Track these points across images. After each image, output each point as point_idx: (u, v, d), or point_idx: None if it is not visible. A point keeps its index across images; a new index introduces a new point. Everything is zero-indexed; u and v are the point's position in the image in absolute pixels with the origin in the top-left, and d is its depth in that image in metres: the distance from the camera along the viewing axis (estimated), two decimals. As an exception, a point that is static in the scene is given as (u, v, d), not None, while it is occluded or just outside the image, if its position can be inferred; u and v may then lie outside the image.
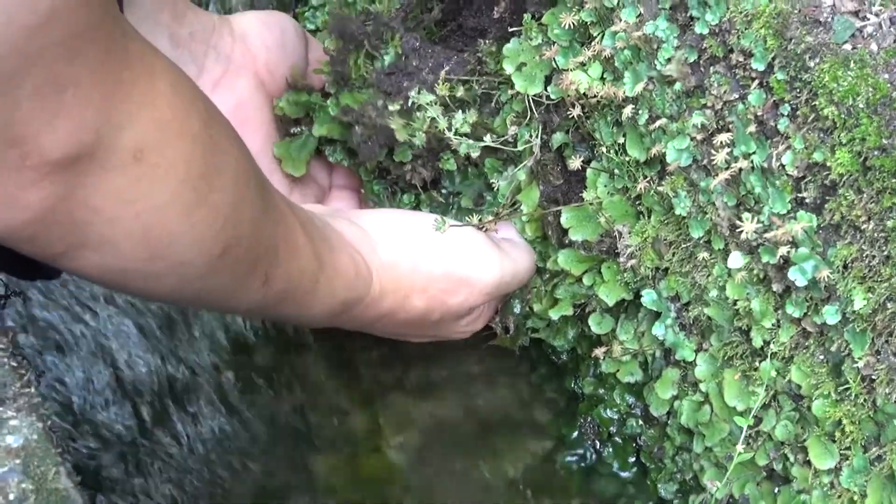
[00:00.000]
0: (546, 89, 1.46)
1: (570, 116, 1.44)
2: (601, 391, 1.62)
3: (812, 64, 1.21)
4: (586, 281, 1.51)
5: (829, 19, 1.23)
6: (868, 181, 1.19)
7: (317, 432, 1.71)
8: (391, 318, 1.52)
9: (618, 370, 1.54)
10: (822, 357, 1.30)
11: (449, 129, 1.49)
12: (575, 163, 1.46)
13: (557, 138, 1.50)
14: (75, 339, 1.70)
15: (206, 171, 1.11)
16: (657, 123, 1.36)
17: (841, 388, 1.28)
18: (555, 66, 1.45)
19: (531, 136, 1.51)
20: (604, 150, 1.44)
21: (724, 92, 1.30)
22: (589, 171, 1.47)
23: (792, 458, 1.35)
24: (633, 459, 1.62)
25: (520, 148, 1.53)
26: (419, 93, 1.51)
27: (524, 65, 1.47)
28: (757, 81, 1.27)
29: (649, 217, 1.43)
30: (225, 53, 1.64)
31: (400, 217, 1.53)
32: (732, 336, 1.39)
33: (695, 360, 1.43)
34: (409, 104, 1.52)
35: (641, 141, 1.39)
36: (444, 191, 1.62)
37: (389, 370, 1.75)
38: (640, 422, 1.58)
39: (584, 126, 1.46)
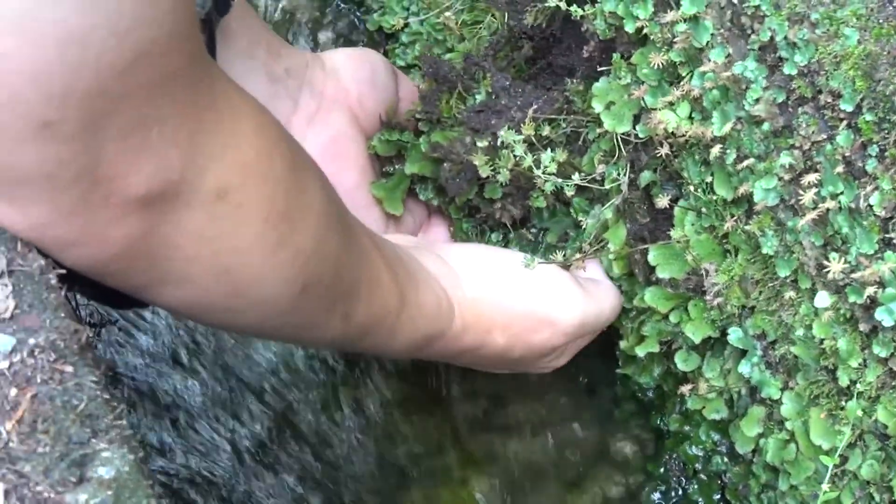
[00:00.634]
0: (634, 128, 1.47)
1: (658, 155, 1.44)
2: (687, 428, 1.61)
3: (900, 105, 1.21)
4: (673, 318, 1.51)
5: (918, 61, 1.23)
6: (956, 222, 1.19)
7: (407, 466, 1.72)
8: (473, 352, 1.51)
9: (704, 407, 1.53)
10: (908, 397, 1.29)
11: (537, 166, 1.50)
12: (662, 201, 1.46)
13: (645, 177, 1.50)
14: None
15: (289, 212, 1.12)
16: (745, 163, 1.36)
17: (928, 428, 1.27)
18: (643, 105, 1.45)
19: (619, 174, 1.52)
20: (691, 188, 1.44)
21: (812, 132, 1.29)
22: (676, 210, 1.46)
23: (878, 498, 1.34)
24: (717, 497, 1.61)
25: (607, 186, 1.53)
26: (507, 130, 1.52)
27: (613, 104, 1.47)
28: (845, 122, 1.26)
29: (736, 256, 1.43)
30: (319, 89, 1.65)
31: (485, 253, 1.53)
32: (819, 375, 1.38)
33: (781, 399, 1.42)
34: (498, 142, 1.53)
35: (729, 180, 1.39)
36: (532, 230, 1.62)
37: (476, 406, 1.75)
38: (726, 459, 1.58)
39: (672, 165, 1.46)
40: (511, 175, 1.54)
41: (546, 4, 1.51)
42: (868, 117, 1.24)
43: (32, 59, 0.86)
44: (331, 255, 1.21)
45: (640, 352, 1.56)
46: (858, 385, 1.33)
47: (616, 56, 1.48)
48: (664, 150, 1.43)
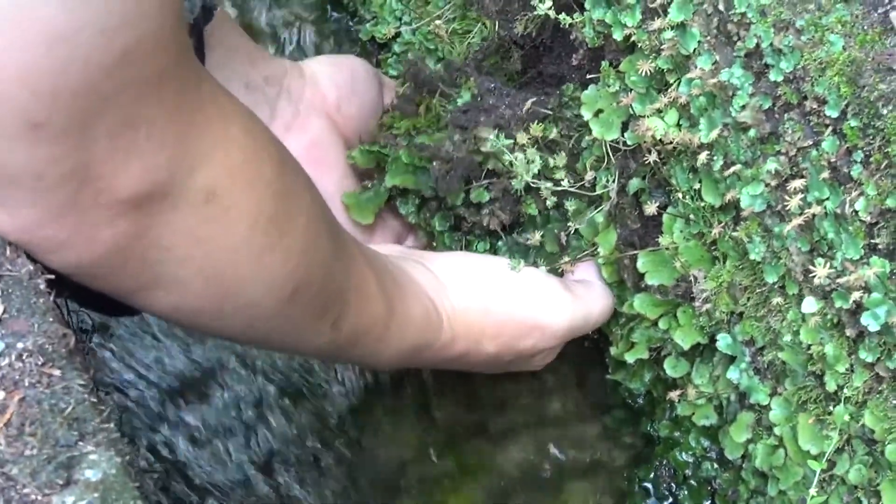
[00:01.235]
0: (623, 135, 1.47)
1: (647, 162, 1.45)
2: (676, 434, 1.61)
3: (885, 111, 1.21)
4: (662, 325, 1.51)
5: (903, 67, 1.23)
6: (940, 227, 1.19)
7: (401, 474, 1.72)
8: (463, 360, 1.52)
9: (693, 413, 1.53)
10: (895, 402, 1.29)
11: (527, 174, 1.50)
12: (651, 208, 1.47)
13: (634, 183, 1.50)
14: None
15: (278, 215, 1.12)
16: (732, 169, 1.36)
17: (914, 432, 1.27)
18: (632, 112, 1.45)
19: (608, 180, 1.52)
20: (679, 195, 1.44)
21: (798, 138, 1.30)
22: (665, 217, 1.47)
23: (865, 503, 1.34)
24: (707, 502, 1.61)
25: (598, 192, 1.53)
26: (497, 137, 1.52)
27: (601, 111, 1.47)
28: (830, 128, 1.27)
29: (724, 262, 1.43)
30: (297, 95, 1.65)
31: (471, 261, 1.53)
32: (806, 380, 1.38)
33: (769, 404, 1.42)
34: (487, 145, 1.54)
35: (716, 187, 1.40)
36: (524, 235, 1.62)
37: (470, 415, 1.75)
38: (715, 465, 1.58)
39: (661, 172, 1.46)
40: (498, 179, 1.55)
41: (536, 13, 1.51)
42: (853, 123, 1.24)
43: (20, 57, 0.86)
44: (319, 261, 1.21)
45: (630, 358, 1.57)
46: (846, 390, 1.33)
47: (605, 64, 1.48)
48: (652, 157, 1.44)
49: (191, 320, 1.20)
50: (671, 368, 1.53)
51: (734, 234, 1.40)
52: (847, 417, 1.33)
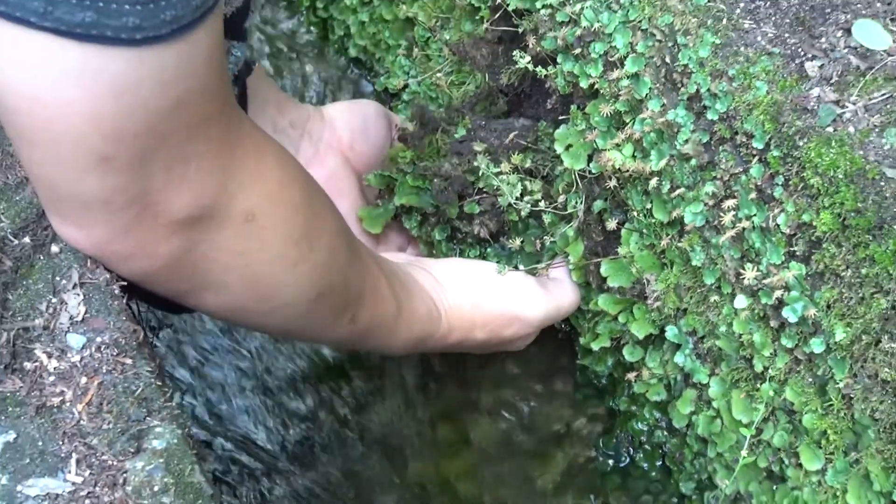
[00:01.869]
0: (589, 165, 1.46)
1: (608, 187, 1.44)
2: (633, 408, 1.61)
3: (801, 143, 1.21)
4: (621, 319, 1.50)
5: (816, 107, 1.22)
6: (846, 237, 1.18)
7: (407, 443, 1.72)
8: (458, 346, 1.52)
9: (647, 391, 1.53)
10: (810, 379, 1.29)
11: (508, 194, 1.50)
12: (612, 224, 1.46)
13: (598, 204, 1.50)
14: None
15: (307, 232, 1.13)
16: (677, 192, 1.36)
17: (826, 404, 1.27)
18: (595, 146, 1.45)
19: (577, 202, 1.52)
20: (635, 213, 1.44)
21: (731, 166, 1.29)
22: (623, 231, 1.46)
23: (787, 462, 1.33)
24: (659, 463, 1.60)
25: (569, 211, 1.53)
26: (487, 166, 1.52)
27: (571, 146, 1.47)
28: (757, 157, 1.26)
29: (671, 267, 1.43)
30: (317, 136, 1.65)
31: (463, 266, 1.54)
32: (738, 363, 1.38)
33: (708, 383, 1.42)
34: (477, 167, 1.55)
35: (665, 206, 1.39)
36: (508, 242, 1.61)
37: (465, 392, 1.75)
38: (665, 433, 1.57)
39: (619, 194, 1.45)
40: (487, 195, 1.55)
41: (517, 66, 1.51)
42: (775, 153, 1.24)
43: (92, 105, 0.86)
44: (340, 268, 1.21)
45: (595, 346, 1.56)
46: (770, 370, 1.32)
47: (573, 107, 1.48)
48: (613, 183, 1.43)
49: (234, 317, 1.21)
50: (629, 354, 1.52)
51: (679, 244, 1.39)
52: (771, 393, 1.33)
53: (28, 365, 1.02)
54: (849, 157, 1.18)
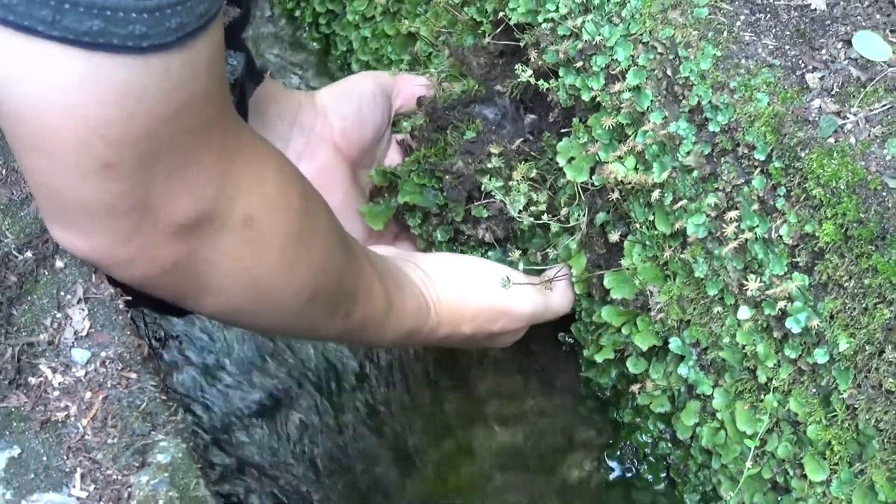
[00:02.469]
0: (591, 178, 1.46)
1: (611, 199, 1.44)
2: (637, 420, 1.60)
3: (803, 154, 1.21)
4: (625, 331, 1.50)
5: (817, 118, 1.22)
6: (849, 248, 1.18)
7: (415, 453, 1.72)
8: (447, 340, 1.53)
9: (651, 402, 1.52)
10: (814, 390, 1.28)
11: (512, 208, 1.50)
12: (614, 236, 1.46)
13: (600, 217, 1.50)
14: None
15: (303, 235, 1.13)
16: (679, 204, 1.35)
17: (830, 415, 1.26)
18: (598, 159, 1.44)
19: (579, 215, 1.51)
20: (637, 225, 1.44)
21: (733, 177, 1.29)
22: (626, 243, 1.46)
23: (791, 473, 1.33)
24: (663, 475, 1.60)
25: (571, 224, 1.52)
26: (490, 180, 1.52)
27: (573, 158, 1.47)
28: (759, 169, 1.26)
29: (674, 279, 1.42)
30: (308, 127, 1.62)
31: (454, 260, 1.54)
32: (742, 374, 1.37)
33: (712, 394, 1.41)
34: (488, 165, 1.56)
35: (667, 218, 1.39)
36: (512, 248, 1.61)
37: (471, 405, 1.75)
38: (669, 444, 1.57)
39: (622, 207, 1.45)
40: (495, 202, 1.56)
41: (518, 80, 1.51)
42: (777, 164, 1.23)
43: (97, 112, 0.87)
44: (334, 268, 1.22)
45: (599, 358, 1.56)
46: (774, 381, 1.32)
47: (575, 120, 1.48)
48: (615, 195, 1.43)
49: (232, 318, 1.23)
50: (632, 366, 1.52)
51: (682, 256, 1.39)
52: (775, 404, 1.33)
53: (33, 380, 1.01)
54: (850, 167, 1.17)
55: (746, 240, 1.28)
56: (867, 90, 1.23)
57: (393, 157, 1.72)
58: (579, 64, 1.43)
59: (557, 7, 1.45)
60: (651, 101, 1.36)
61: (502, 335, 1.57)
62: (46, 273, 1.09)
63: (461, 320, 1.50)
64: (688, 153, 1.32)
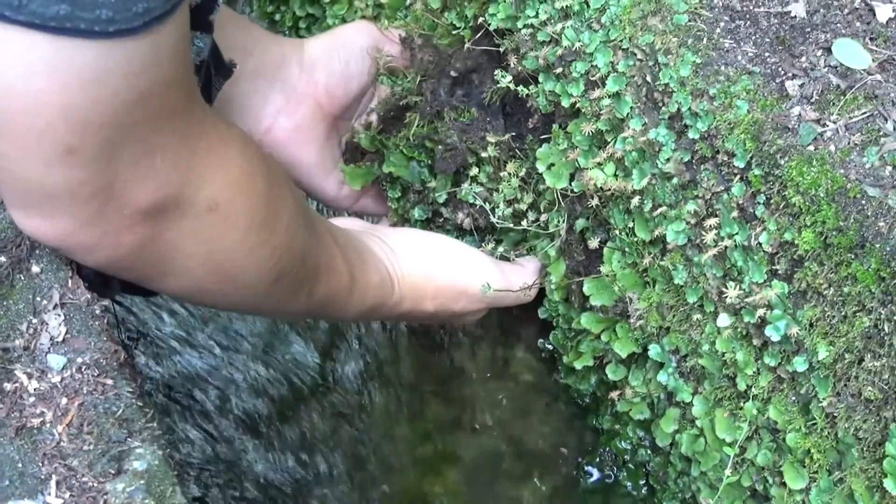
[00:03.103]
0: (571, 184, 1.46)
1: (590, 206, 1.44)
2: (617, 426, 1.60)
3: (782, 162, 1.21)
4: (604, 338, 1.50)
5: (796, 126, 1.23)
6: (828, 256, 1.18)
7: (397, 458, 1.72)
8: (409, 315, 1.54)
9: (630, 409, 1.53)
10: (793, 398, 1.29)
11: (493, 214, 1.50)
12: (594, 243, 1.47)
13: (580, 223, 1.50)
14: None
15: (267, 219, 1.14)
16: (659, 210, 1.36)
17: (809, 423, 1.26)
18: (577, 165, 1.45)
19: (559, 221, 1.51)
20: (617, 232, 1.44)
21: (713, 185, 1.29)
22: (605, 250, 1.46)
23: (771, 481, 1.33)
24: (643, 482, 1.60)
25: (550, 230, 1.53)
26: (470, 185, 1.52)
27: (553, 164, 1.47)
28: (738, 176, 1.27)
29: (654, 286, 1.43)
30: (291, 84, 1.60)
31: (419, 236, 1.55)
32: (722, 381, 1.38)
33: (692, 401, 1.41)
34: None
35: (647, 225, 1.39)
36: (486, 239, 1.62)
37: (450, 410, 1.75)
38: (649, 451, 1.57)
39: (601, 213, 1.45)
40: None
41: (499, 86, 1.51)
42: (756, 172, 1.24)
43: (61, 96, 0.87)
44: (298, 249, 1.23)
45: (579, 365, 1.56)
46: (753, 389, 1.32)
47: (555, 126, 1.48)
48: (595, 202, 1.43)
49: (195, 299, 1.24)
50: (612, 373, 1.52)
51: (662, 263, 1.39)
52: (755, 411, 1.33)
53: (8, 386, 1.01)
54: (830, 175, 1.18)
55: (726, 247, 1.29)
56: (847, 98, 1.24)
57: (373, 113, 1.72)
58: (559, 70, 1.43)
59: (537, 13, 1.45)
60: (631, 107, 1.36)
61: (464, 315, 1.59)
62: (22, 278, 1.08)
63: (423, 297, 1.51)
64: (667, 160, 1.33)
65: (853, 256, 1.16)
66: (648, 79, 1.34)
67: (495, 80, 1.51)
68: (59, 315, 1.06)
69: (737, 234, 1.28)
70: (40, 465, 0.98)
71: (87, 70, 0.87)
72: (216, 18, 1.21)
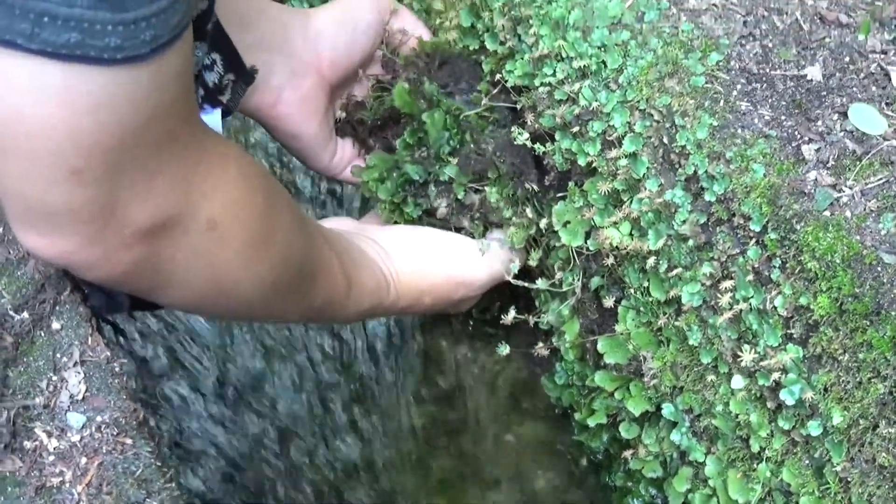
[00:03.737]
0: (586, 242, 1.48)
1: (605, 264, 1.45)
2: (630, 484, 1.60)
3: (798, 226, 1.22)
4: (617, 395, 1.51)
5: (813, 191, 1.24)
6: (843, 321, 1.19)
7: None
8: (408, 311, 1.58)
9: (643, 468, 1.53)
10: (807, 461, 1.29)
11: (507, 273, 1.52)
12: (609, 301, 1.47)
13: (595, 281, 1.51)
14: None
15: (264, 233, 1.17)
16: (674, 272, 1.37)
17: (823, 487, 1.27)
18: (593, 223, 1.46)
19: (574, 279, 1.53)
20: (632, 291, 1.45)
21: (728, 247, 1.31)
22: (620, 308, 1.47)
23: (784, 543, 1.34)
24: (655, 541, 1.61)
25: (564, 289, 1.54)
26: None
27: (569, 222, 1.48)
28: (754, 240, 1.28)
29: (668, 345, 1.43)
30: (295, 55, 1.58)
31: (410, 234, 1.58)
32: (735, 442, 1.38)
33: (705, 461, 1.42)
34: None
35: (662, 285, 1.40)
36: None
37: (466, 465, 1.76)
38: (661, 510, 1.58)
39: (617, 272, 1.47)
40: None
41: (516, 143, 1.52)
42: (772, 236, 1.25)
43: (70, 121, 0.90)
44: (294, 259, 1.25)
45: (592, 422, 1.56)
46: (767, 451, 1.33)
47: (571, 184, 1.49)
48: (610, 260, 1.44)
49: (195, 309, 1.30)
50: (625, 431, 1.53)
51: (676, 323, 1.40)
52: (768, 473, 1.33)
53: (28, 444, 1.02)
54: (846, 241, 1.19)
55: (741, 310, 1.30)
56: (863, 163, 1.25)
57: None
58: (576, 129, 1.45)
59: (555, 71, 1.47)
60: (647, 168, 1.37)
61: (464, 302, 1.63)
62: (42, 334, 1.10)
63: (420, 293, 1.55)
64: (683, 222, 1.34)
65: (868, 323, 1.17)
66: (665, 140, 1.35)
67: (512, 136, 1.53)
68: (78, 373, 1.08)
69: (752, 297, 1.29)
70: (59, 524, 0.99)
71: (96, 95, 0.90)
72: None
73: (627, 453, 1.53)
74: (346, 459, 1.76)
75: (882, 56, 1.36)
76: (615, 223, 1.43)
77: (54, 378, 1.07)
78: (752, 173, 1.27)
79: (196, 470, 1.67)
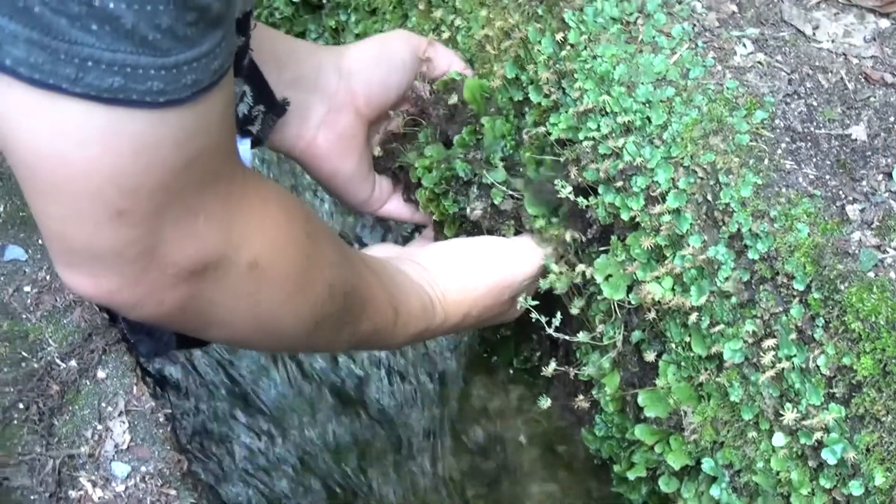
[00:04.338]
0: (628, 296, 1.47)
1: (647, 319, 1.45)
2: (668, 538, 1.60)
3: (842, 287, 1.22)
4: (657, 449, 1.50)
5: (857, 251, 1.24)
6: (887, 383, 1.19)
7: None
8: (456, 328, 1.57)
9: (682, 522, 1.53)
10: (849, 522, 1.29)
11: (549, 325, 1.51)
12: (650, 356, 1.47)
13: (636, 335, 1.51)
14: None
15: (307, 271, 1.18)
16: (717, 328, 1.36)
17: (865, 548, 1.26)
18: (635, 278, 1.46)
19: (615, 333, 1.52)
20: (673, 346, 1.45)
21: (771, 306, 1.30)
22: (661, 363, 1.47)
23: None
24: None
25: (605, 342, 1.53)
26: (525, 300, 1.53)
27: (611, 276, 1.48)
28: (798, 299, 1.27)
29: (709, 401, 1.43)
30: (329, 93, 1.58)
31: (448, 249, 1.58)
32: (776, 499, 1.37)
33: (745, 518, 1.42)
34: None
35: (704, 341, 1.40)
36: None
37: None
38: (700, 565, 1.56)
39: (658, 326, 1.46)
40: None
41: (558, 195, 1.52)
42: (816, 295, 1.25)
43: (113, 163, 0.91)
44: (339, 294, 1.25)
45: (631, 475, 1.56)
46: (808, 510, 1.32)
47: (614, 238, 1.49)
48: (652, 315, 1.44)
49: (240, 345, 1.32)
50: (664, 485, 1.52)
51: (718, 379, 1.40)
52: (809, 532, 1.33)
53: (73, 493, 1.03)
54: (890, 303, 1.19)
55: (783, 368, 1.29)
56: (907, 224, 1.25)
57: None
58: (619, 183, 1.45)
59: (599, 126, 1.47)
60: (690, 224, 1.37)
61: (511, 307, 1.61)
62: (88, 383, 1.11)
63: (469, 307, 1.54)
64: (726, 279, 1.34)
65: (912, 385, 1.17)
66: (709, 197, 1.35)
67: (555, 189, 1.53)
68: (123, 422, 1.08)
69: (795, 356, 1.28)
70: (103, 575, 0.99)
71: (139, 138, 0.91)
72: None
73: (666, 508, 1.53)
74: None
75: (927, 116, 1.36)
76: (657, 278, 1.43)
77: (99, 427, 1.07)
78: (796, 232, 1.27)
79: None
